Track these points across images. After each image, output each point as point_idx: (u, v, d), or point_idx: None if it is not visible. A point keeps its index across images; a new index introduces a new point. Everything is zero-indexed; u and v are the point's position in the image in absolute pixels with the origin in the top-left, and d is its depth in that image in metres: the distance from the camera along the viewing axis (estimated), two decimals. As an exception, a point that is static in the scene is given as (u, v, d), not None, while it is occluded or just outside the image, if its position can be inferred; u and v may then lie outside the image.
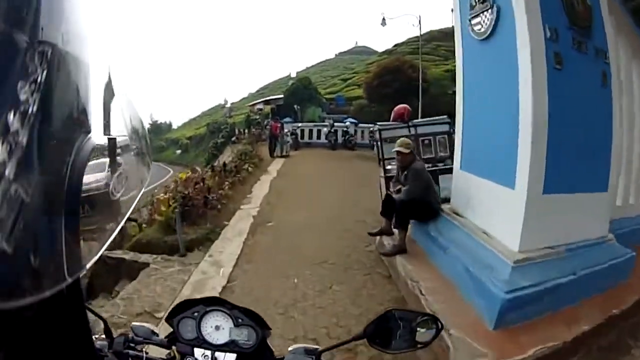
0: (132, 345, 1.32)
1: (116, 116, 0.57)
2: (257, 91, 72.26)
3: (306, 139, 26.22)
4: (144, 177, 0.69)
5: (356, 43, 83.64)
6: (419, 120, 8.46)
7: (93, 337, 0.88)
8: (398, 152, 6.37)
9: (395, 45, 48.80)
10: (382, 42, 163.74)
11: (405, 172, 6.38)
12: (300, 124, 26.88)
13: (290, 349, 1.34)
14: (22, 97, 0.34)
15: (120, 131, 0.59)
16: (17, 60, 0.34)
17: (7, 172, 0.33)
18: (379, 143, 8.68)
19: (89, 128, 0.47)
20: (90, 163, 0.46)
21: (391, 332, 1.27)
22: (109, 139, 0.54)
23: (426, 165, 7.62)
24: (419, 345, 1.28)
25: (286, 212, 9.80)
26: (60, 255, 0.40)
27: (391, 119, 8.55)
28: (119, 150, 0.58)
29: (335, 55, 78.57)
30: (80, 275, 0.48)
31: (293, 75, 55.11)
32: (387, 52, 47.75)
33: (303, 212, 9.81)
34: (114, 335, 1.31)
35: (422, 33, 31.19)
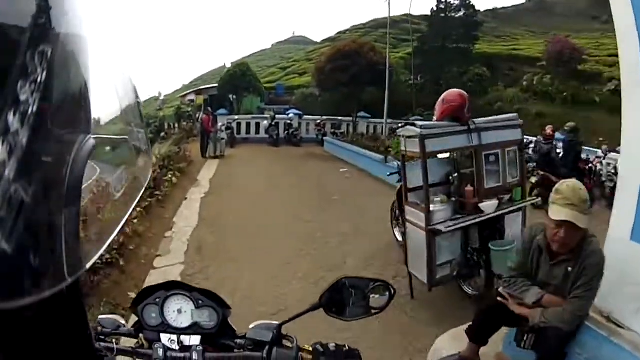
0: (102, 337, 1.30)
1: (117, 115, 0.56)
2: (191, 82, 67.39)
3: (243, 133, 22.35)
4: (144, 177, 0.67)
5: (293, 33, 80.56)
6: (483, 120, 4.72)
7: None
8: (562, 225, 2.78)
9: (339, 33, 45.48)
10: (320, 32, 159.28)
11: (570, 264, 2.89)
12: (236, 117, 22.66)
13: (251, 326, 1.32)
14: (22, 97, 0.34)
15: (120, 131, 0.58)
16: (17, 60, 0.34)
17: (7, 172, 0.32)
18: (402, 160, 4.97)
19: (89, 128, 0.45)
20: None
21: (347, 300, 1.27)
22: (109, 138, 0.53)
23: (493, 205, 4.65)
24: (373, 311, 1.29)
25: (230, 276, 5.71)
26: (60, 255, 0.39)
27: (438, 114, 4.75)
28: (119, 150, 0.57)
29: (272, 45, 74.19)
30: (80, 276, 0.46)
31: (228, 65, 49.97)
32: (330, 40, 44.36)
33: (256, 272, 5.80)
34: None
35: (366, 22, 27.38)
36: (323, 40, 48.36)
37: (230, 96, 26.75)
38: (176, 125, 26.86)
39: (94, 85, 0.45)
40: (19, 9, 0.34)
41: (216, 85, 28.36)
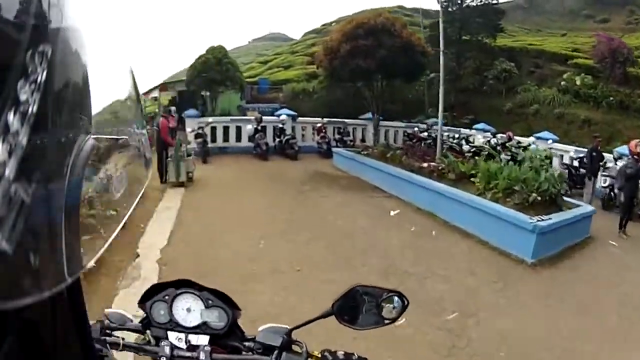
0: (107, 332, 1.25)
1: (117, 115, 0.55)
2: (165, 82, 60.40)
3: (220, 141, 15.50)
4: (144, 177, 0.65)
5: (270, 30, 74.25)
6: None
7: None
8: None
9: (324, 25, 38.86)
10: (297, 30, 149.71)
11: None
12: (210, 119, 15.63)
13: (260, 329, 1.25)
14: (22, 97, 0.33)
15: (120, 130, 0.56)
16: (17, 60, 0.33)
17: (7, 172, 0.32)
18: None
19: (89, 128, 0.44)
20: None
21: (359, 309, 1.20)
22: (109, 138, 0.52)
23: None
24: (386, 322, 1.21)
25: None
26: (60, 255, 0.39)
27: None
28: (119, 150, 0.56)
29: (249, 42, 67.45)
30: (80, 276, 0.47)
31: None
32: (315, 32, 37.98)
33: None
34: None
35: (353, 13, 20.76)
36: (306, 33, 41.73)
37: (203, 93, 19.84)
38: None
39: (94, 85, 0.44)
40: (18, 8, 0.33)
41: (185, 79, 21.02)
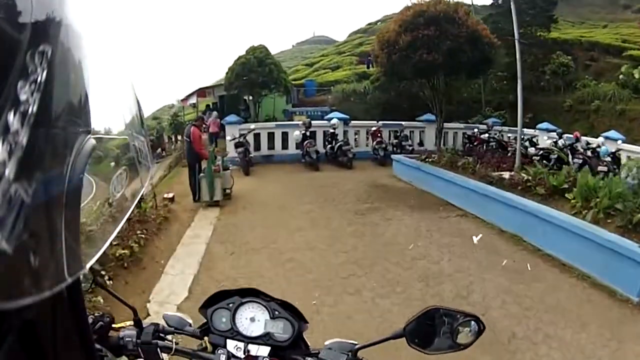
0: (162, 335, 1.21)
1: (117, 115, 0.55)
2: (203, 87, 60.38)
3: (264, 149, 13.82)
4: (144, 177, 0.63)
5: (314, 33, 73.40)
6: None
7: (96, 335, 1.03)
8: None
9: (369, 24, 37.26)
10: (341, 32, 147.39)
11: None
12: (253, 125, 13.88)
13: (326, 343, 1.18)
14: (22, 97, 0.33)
15: (120, 130, 0.55)
16: (17, 60, 0.33)
17: (7, 172, 0.31)
18: None
19: (89, 128, 0.44)
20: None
21: (432, 332, 1.10)
22: (109, 139, 0.51)
23: None
24: (460, 347, 1.10)
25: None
26: (60, 255, 0.38)
27: None
28: (119, 150, 0.56)
29: (293, 46, 66.89)
30: (80, 276, 0.46)
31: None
32: (361, 32, 36.45)
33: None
34: (144, 325, 1.22)
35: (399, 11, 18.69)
36: (352, 33, 40.16)
37: (246, 97, 18.36)
38: (178, 139, 18.68)
39: (94, 86, 0.44)
40: (19, 8, 0.33)
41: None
